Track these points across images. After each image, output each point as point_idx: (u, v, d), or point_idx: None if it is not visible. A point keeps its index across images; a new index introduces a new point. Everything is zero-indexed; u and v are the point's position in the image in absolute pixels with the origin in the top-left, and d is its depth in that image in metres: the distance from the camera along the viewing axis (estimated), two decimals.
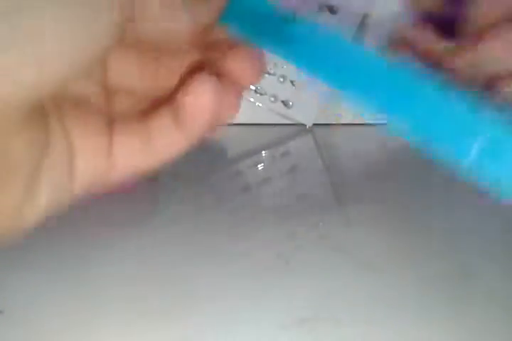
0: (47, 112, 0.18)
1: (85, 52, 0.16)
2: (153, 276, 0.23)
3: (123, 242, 0.23)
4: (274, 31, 0.19)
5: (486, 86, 0.23)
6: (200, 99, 0.19)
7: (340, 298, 0.22)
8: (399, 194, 0.30)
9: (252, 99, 0.36)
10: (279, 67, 0.36)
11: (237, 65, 0.20)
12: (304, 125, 0.36)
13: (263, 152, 0.35)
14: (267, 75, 0.37)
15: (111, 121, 0.20)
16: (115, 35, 0.16)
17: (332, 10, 0.34)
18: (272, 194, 0.30)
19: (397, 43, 0.21)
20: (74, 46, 0.16)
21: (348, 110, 0.37)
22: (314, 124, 0.36)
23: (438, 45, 0.25)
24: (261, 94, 0.36)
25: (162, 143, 0.20)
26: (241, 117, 0.38)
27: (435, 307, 0.22)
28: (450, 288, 0.23)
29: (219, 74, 0.20)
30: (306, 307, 0.21)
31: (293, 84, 0.36)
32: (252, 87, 0.37)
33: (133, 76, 0.21)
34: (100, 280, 0.21)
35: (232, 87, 0.20)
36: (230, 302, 0.21)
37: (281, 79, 0.36)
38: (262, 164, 0.34)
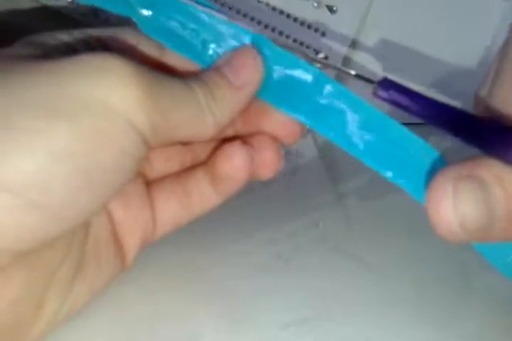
0: None
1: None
2: (151, 276, 0.23)
3: None
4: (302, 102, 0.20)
5: None
6: (233, 162, 0.20)
7: (340, 298, 0.22)
8: (400, 194, 0.30)
9: None
10: None
11: (273, 126, 0.21)
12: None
13: None
14: None
15: (149, 183, 0.22)
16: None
17: (331, 10, 0.34)
18: (272, 194, 0.30)
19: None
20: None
21: None
22: None
23: None
24: None
25: (199, 201, 0.22)
26: None
27: (435, 308, 0.22)
28: (450, 288, 0.23)
29: (255, 134, 0.22)
30: (306, 307, 0.21)
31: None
32: None
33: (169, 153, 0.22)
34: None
35: (270, 145, 0.21)
36: (229, 302, 0.21)
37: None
38: None
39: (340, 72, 0.19)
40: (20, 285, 0.16)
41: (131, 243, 0.21)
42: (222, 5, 0.34)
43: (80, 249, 0.18)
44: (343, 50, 0.35)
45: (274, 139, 0.22)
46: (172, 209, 0.22)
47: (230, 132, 0.22)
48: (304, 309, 0.21)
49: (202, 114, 0.18)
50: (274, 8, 0.34)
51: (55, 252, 0.17)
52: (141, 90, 0.16)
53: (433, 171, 0.16)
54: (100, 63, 0.16)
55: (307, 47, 0.35)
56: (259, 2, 0.34)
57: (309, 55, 0.19)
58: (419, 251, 0.25)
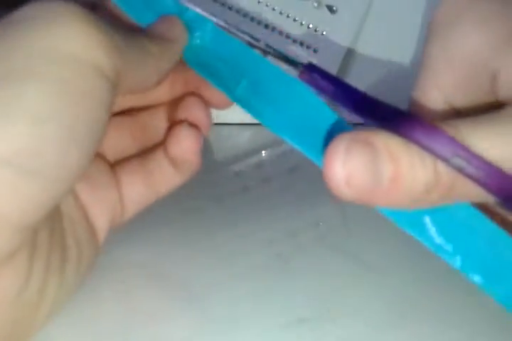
0: None
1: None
2: (152, 276, 0.23)
3: (121, 243, 0.23)
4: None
5: None
6: (182, 145, 0.22)
7: (340, 298, 0.22)
8: None
9: None
10: None
11: (208, 93, 0.23)
12: None
13: (263, 152, 0.35)
14: None
15: (112, 165, 0.22)
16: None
17: (331, 10, 0.34)
18: (271, 194, 0.30)
19: None
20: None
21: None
22: None
23: None
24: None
25: (162, 180, 0.23)
26: (241, 117, 0.38)
27: (436, 308, 0.22)
28: (451, 288, 0.23)
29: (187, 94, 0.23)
30: (306, 307, 0.21)
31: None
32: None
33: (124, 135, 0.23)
34: (95, 281, 0.21)
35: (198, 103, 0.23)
36: (229, 302, 0.21)
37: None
38: (262, 164, 0.34)
39: (270, 55, 0.20)
40: (25, 272, 0.16)
41: (101, 223, 0.21)
42: (222, 5, 0.34)
43: (60, 233, 0.19)
44: (343, 49, 0.35)
45: (205, 100, 0.23)
46: (137, 189, 0.22)
47: (168, 95, 0.24)
48: (304, 309, 0.21)
49: (147, 59, 0.18)
50: (273, 9, 0.34)
51: (43, 237, 0.17)
52: (102, 33, 0.16)
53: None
54: (49, 12, 0.16)
55: (307, 47, 0.35)
56: (259, 2, 0.34)
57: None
58: (420, 251, 0.25)
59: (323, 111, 0.19)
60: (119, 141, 0.23)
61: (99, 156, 0.22)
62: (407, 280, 0.23)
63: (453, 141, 0.15)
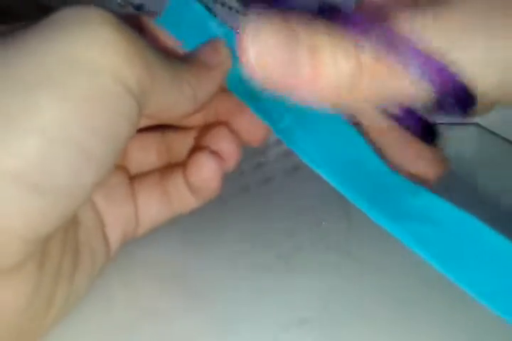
0: None
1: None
2: (152, 277, 0.23)
3: (124, 243, 0.23)
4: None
5: None
6: (202, 174, 0.21)
7: (341, 298, 0.22)
8: None
9: None
10: None
11: (240, 125, 0.22)
12: None
13: (263, 152, 0.35)
14: None
15: (131, 178, 0.22)
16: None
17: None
18: (272, 194, 0.30)
19: None
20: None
21: None
22: None
23: None
24: None
25: (178, 202, 0.23)
26: None
27: (437, 307, 0.22)
28: (452, 288, 0.23)
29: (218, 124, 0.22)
30: (306, 307, 0.21)
31: None
32: None
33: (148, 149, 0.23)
34: (99, 281, 0.21)
35: (229, 138, 0.22)
36: (229, 302, 0.21)
37: None
38: (262, 164, 0.34)
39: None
40: (34, 282, 0.16)
41: (114, 235, 0.21)
42: (222, 5, 0.34)
43: (74, 240, 0.18)
44: None
45: (235, 133, 0.22)
46: (153, 205, 0.22)
47: (201, 120, 0.23)
48: (304, 309, 0.21)
49: (182, 85, 0.18)
50: None
51: (55, 245, 0.17)
52: (129, 43, 0.15)
53: None
54: (78, 18, 0.15)
55: None
56: None
57: None
58: None
59: (368, 154, 0.18)
60: (144, 156, 0.23)
61: (120, 168, 0.22)
62: (408, 281, 0.23)
63: (381, 22, 0.14)
